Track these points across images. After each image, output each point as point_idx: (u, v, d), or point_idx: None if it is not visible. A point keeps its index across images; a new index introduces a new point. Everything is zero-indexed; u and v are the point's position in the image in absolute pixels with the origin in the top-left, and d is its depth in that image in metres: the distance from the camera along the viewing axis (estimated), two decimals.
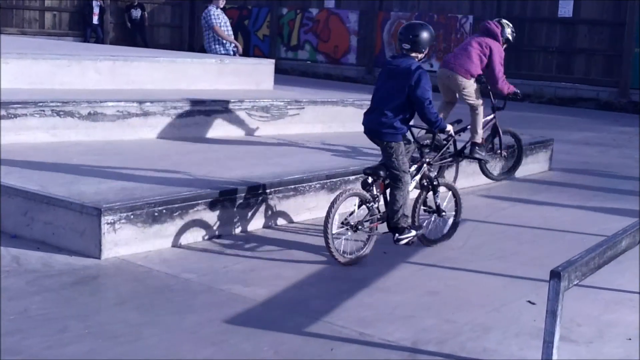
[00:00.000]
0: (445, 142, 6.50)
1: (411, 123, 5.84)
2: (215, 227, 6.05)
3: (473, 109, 8.00)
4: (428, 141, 6.34)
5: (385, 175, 5.69)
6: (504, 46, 8.15)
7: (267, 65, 10.94)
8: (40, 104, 7.51)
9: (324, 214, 5.50)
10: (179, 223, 5.80)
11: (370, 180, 5.70)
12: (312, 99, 9.75)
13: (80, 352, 3.99)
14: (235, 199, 6.15)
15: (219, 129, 8.67)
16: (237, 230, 6.21)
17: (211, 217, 6.01)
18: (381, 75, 5.84)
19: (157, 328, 4.33)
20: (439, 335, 4.43)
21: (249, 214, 6.29)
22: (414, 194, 6.04)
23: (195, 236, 5.92)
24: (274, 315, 4.62)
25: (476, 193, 8.12)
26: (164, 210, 5.69)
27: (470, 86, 7.92)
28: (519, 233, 6.86)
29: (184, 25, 25.11)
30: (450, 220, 6.33)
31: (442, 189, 6.20)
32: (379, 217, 5.75)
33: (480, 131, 8.02)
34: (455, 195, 6.36)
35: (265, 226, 6.42)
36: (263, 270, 5.44)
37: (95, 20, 23.08)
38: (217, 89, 9.83)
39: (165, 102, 8.34)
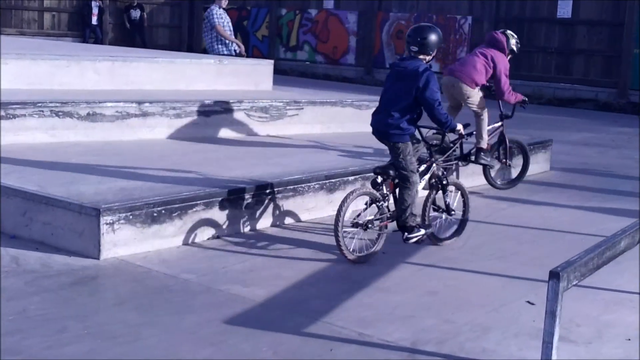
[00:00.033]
0: (452, 144, 6.56)
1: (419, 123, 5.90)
2: (214, 228, 6.04)
3: (478, 115, 8.00)
4: (436, 141, 6.38)
5: (395, 175, 5.77)
6: (509, 57, 8.16)
7: (266, 66, 10.94)
8: (39, 104, 7.51)
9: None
10: (178, 223, 5.79)
11: (379, 179, 5.78)
12: (311, 100, 9.75)
13: (79, 352, 3.98)
14: (236, 199, 6.15)
15: (218, 129, 8.67)
16: (237, 231, 6.21)
17: (211, 217, 6.00)
18: (389, 77, 5.90)
19: (156, 328, 4.33)
20: (439, 336, 4.43)
21: (249, 214, 6.29)
22: (423, 193, 6.12)
23: (194, 236, 5.92)
24: (273, 316, 4.62)
25: (476, 193, 8.12)
26: (163, 211, 5.69)
27: (475, 95, 7.91)
28: (518, 233, 6.86)
29: (183, 26, 25.11)
30: (459, 218, 6.39)
31: (451, 188, 6.26)
32: (388, 215, 5.83)
33: (485, 137, 8.02)
34: (464, 194, 6.42)
35: (265, 226, 6.42)
36: (262, 271, 5.44)
37: (94, 20, 23.09)
38: (216, 90, 9.83)
39: (164, 102, 8.34)
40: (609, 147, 12.10)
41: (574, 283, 3.71)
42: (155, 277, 5.17)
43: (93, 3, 23.01)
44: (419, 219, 5.93)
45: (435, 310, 4.83)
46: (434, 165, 6.13)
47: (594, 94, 17.69)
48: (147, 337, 4.21)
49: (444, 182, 6.17)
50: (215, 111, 8.66)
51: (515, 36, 8.30)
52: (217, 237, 6.05)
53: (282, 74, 18.28)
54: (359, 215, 5.69)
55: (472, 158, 7.96)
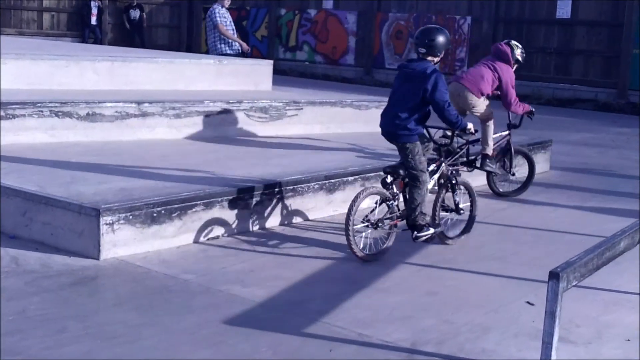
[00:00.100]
0: (459, 150, 6.59)
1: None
2: (214, 228, 6.04)
3: (483, 121, 8.00)
4: (445, 140, 6.41)
5: (404, 174, 5.82)
6: (515, 67, 8.16)
7: (265, 66, 10.94)
8: (39, 104, 7.51)
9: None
10: (177, 224, 5.79)
11: (389, 179, 5.83)
12: (311, 100, 9.75)
13: (79, 352, 3.98)
14: (236, 199, 6.15)
15: (218, 129, 8.67)
16: (237, 231, 6.21)
17: (211, 217, 6.00)
18: (397, 78, 5.95)
19: (155, 329, 4.33)
20: (438, 336, 4.43)
21: (249, 214, 6.29)
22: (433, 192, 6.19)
23: (194, 237, 5.92)
24: (273, 316, 4.62)
25: (475, 194, 8.11)
26: (163, 211, 5.69)
27: (480, 104, 7.90)
28: (517, 234, 6.87)
29: (182, 26, 25.11)
30: (467, 215, 6.45)
31: (460, 188, 6.33)
32: (398, 214, 5.90)
33: (491, 143, 8.01)
34: (471, 193, 6.47)
35: (266, 226, 6.42)
36: (262, 271, 5.44)
37: (93, 20, 23.09)
38: (216, 90, 9.83)
39: (163, 102, 8.34)
40: (609, 147, 12.11)
41: (574, 283, 3.71)
42: (155, 278, 5.17)
43: (92, 3, 23.01)
44: (428, 218, 5.98)
45: (434, 311, 4.83)
46: (443, 165, 6.18)
47: (594, 95, 17.69)
48: (146, 337, 4.22)
49: (454, 182, 6.23)
50: (215, 111, 8.66)
51: (520, 46, 8.31)
52: (216, 237, 6.05)
53: (281, 74, 18.28)
54: (371, 211, 5.77)
55: (478, 164, 7.96)
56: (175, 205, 5.76)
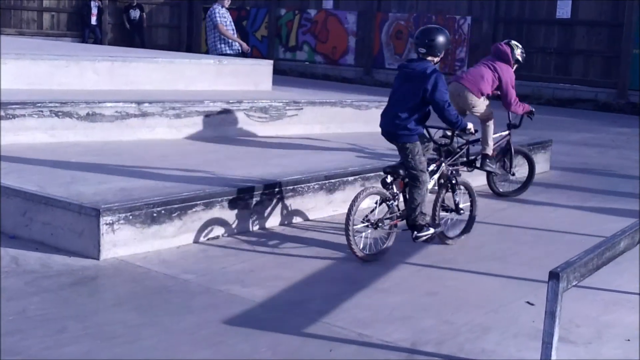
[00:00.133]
0: (459, 150, 6.59)
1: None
2: (214, 228, 6.04)
3: (483, 121, 7.99)
4: (445, 140, 6.41)
5: (404, 174, 5.82)
6: (515, 67, 8.16)
7: (265, 66, 10.94)
8: (39, 104, 7.51)
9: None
10: (177, 224, 5.79)
11: (389, 179, 5.83)
12: (311, 100, 9.75)
13: (78, 352, 3.98)
14: (236, 199, 6.15)
15: (218, 129, 8.67)
16: (237, 231, 6.21)
17: (210, 217, 6.00)
18: (397, 78, 5.96)
19: (155, 329, 4.33)
20: (438, 336, 4.43)
21: (249, 214, 6.29)
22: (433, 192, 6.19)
23: (194, 237, 5.92)
24: (273, 316, 4.62)
25: (475, 194, 8.11)
26: (163, 211, 5.69)
27: (480, 104, 7.90)
28: (517, 234, 6.87)
29: (182, 26, 25.11)
30: (467, 215, 6.45)
31: (460, 188, 6.33)
32: (398, 214, 5.90)
33: (491, 143, 8.01)
34: (471, 194, 6.47)
35: (266, 226, 6.42)
36: (262, 271, 5.44)
37: (93, 20, 23.09)
38: (216, 90, 9.83)
39: (163, 102, 8.34)
40: (609, 147, 12.11)
41: (574, 284, 3.71)
42: (155, 278, 5.17)
43: (92, 3, 23.01)
44: (428, 218, 5.98)
45: (434, 311, 4.83)
46: (443, 165, 6.18)
47: (594, 95, 17.69)
48: (146, 337, 4.22)
49: (454, 182, 6.23)
50: (215, 111, 8.66)
51: (520, 46, 8.30)
52: (216, 237, 6.05)
53: (281, 74, 18.28)
54: (371, 211, 5.77)
55: (478, 164, 7.96)
56: (175, 205, 5.76)
